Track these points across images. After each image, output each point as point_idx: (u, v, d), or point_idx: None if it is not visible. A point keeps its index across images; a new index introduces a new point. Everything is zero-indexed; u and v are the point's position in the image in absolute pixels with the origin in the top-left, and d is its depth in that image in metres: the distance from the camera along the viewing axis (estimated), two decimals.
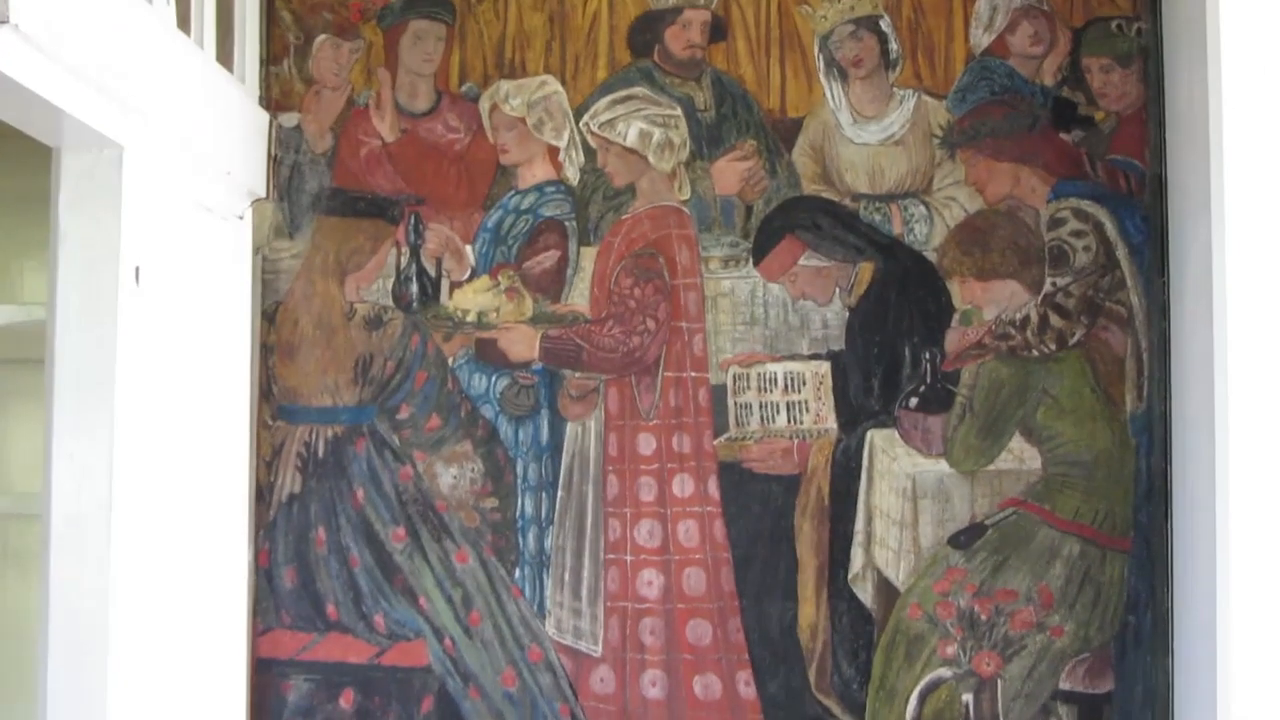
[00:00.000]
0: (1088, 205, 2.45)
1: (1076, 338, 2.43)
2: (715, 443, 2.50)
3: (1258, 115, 1.98)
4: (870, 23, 2.52)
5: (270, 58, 2.61)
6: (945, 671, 2.41)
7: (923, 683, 2.43)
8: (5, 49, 1.68)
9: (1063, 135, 2.46)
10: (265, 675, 2.53)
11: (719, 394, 2.50)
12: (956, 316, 2.46)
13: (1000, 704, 2.42)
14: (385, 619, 2.52)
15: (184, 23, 2.25)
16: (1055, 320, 2.45)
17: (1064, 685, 2.41)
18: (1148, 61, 2.47)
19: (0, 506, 2.52)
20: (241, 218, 2.51)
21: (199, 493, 2.37)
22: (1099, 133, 2.46)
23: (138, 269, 2.05)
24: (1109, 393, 2.42)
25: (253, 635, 2.53)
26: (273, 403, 2.57)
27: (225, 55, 2.45)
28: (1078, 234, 2.45)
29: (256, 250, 2.56)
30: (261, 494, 2.55)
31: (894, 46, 2.52)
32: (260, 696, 2.54)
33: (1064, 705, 2.41)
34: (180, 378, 2.27)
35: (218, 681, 2.45)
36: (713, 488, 2.48)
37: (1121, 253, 2.43)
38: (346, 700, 2.52)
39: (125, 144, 2.02)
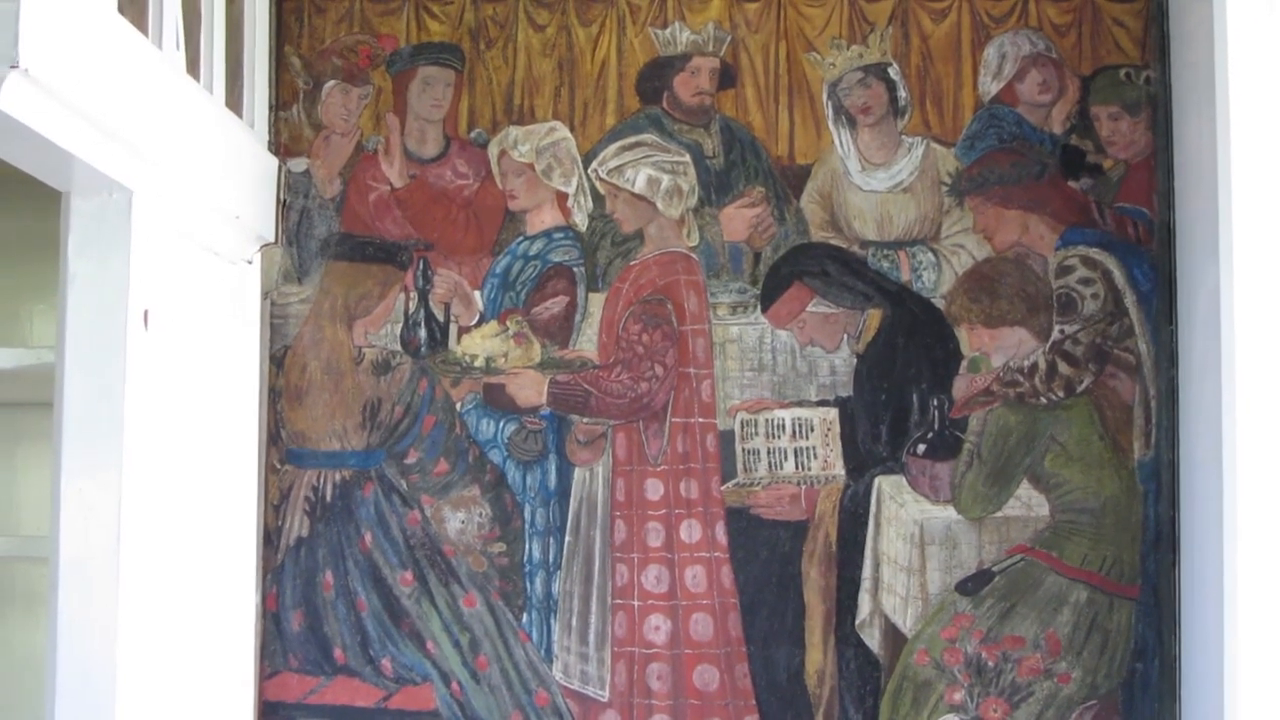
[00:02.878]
0: (1096, 253, 2.44)
1: (1084, 385, 2.42)
2: (723, 488, 2.47)
3: (1266, 164, 1.97)
4: (879, 70, 2.50)
5: (280, 103, 2.59)
6: (953, 718, 2.41)
7: None
8: (15, 93, 1.67)
9: (1071, 183, 2.45)
10: (272, 719, 2.53)
11: (727, 440, 2.48)
12: (964, 363, 2.45)
13: None
14: (393, 663, 2.50)
15: (194, 68, 2.24)
16: (1063, 367, 2.44)
17: None
18: (1156, 110, 2.46)
19: (9, 549, 2.49)
20: (250, 262, 2.50)
21: (207, 536, 2.35)
22: (1107, 180, 2.45)
23: (146, 312, 2.04)
24: (1117, 440, 2.41)
25: (260, 678, 2.50)
26: (281, 447, 2.55)
27: (235, 100, 2.44)
28: (1086, 281, 2.44)
29: (265, 295, 2.55)
30: (269, 537, 2.53)
31: (902, 94, 2.50)
32: None
33: None
34: (189, 421, 2.26)
35: None
36: (720, 533, 2.46)
37: (1129, 300, 2.42)
38: None
39: (134, 188, 2.01)
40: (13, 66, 1.65)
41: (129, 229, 2.02)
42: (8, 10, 1.64)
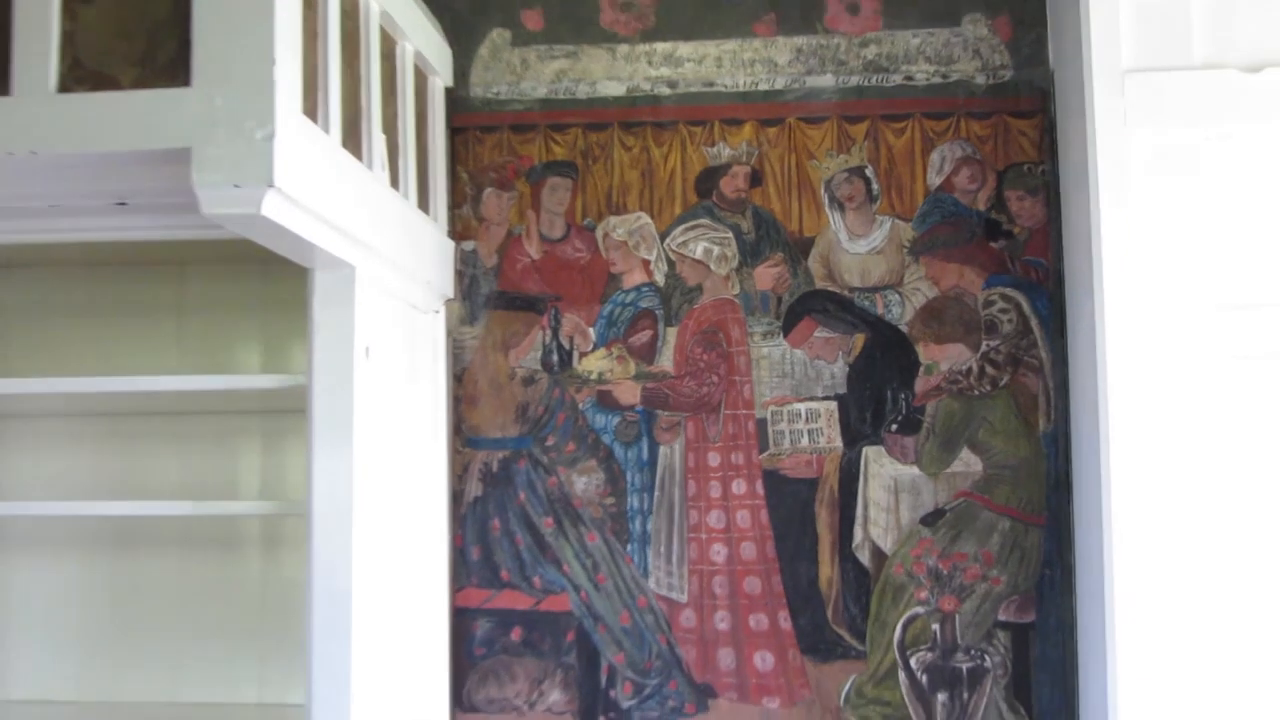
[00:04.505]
0: (1010, 291, 2.77)
1: (1004, 381, 2.75)
2: (760, 457, 2.80)
3: (1120, 231, 2.25)
4: (859, 171, 2.81)
5: (454, 204, 2.88)
6: (919, 609, 2.74)
7: (904, 617, 2.75)
8: (272, 205, 1.88)
9: (992, 244, 2.77)
10: (460, 619, 2.83)
11: (762, 424, 2.80)
12: (922, 369, 2.77)
13: (958, 630, 2.72)
14: (540, 579, 2.83)
15: (394, 182, 2.51)
16: (989, 370, 2.77)
17: (1001, 617, 2.72)
18: (1049, 192, 2.75)
19: (280, 509, 2.65)
20: (437, 312, 2.80)
21: (413, 497, 2.65)
22: (1017, 242, 2.76)
23: (367, 348, 2.34)
24: (1027, 418, 2.74)
25: (451, 592, 2.82)
26: (462, 436, 2.86)
27: (423, 203, 2.70)
28: (1003, 310, 2.76)
29: (448, 334, 2.85)
30: (456, 498, 2.84)
31: (875, 187, 2.82)
32: (457, 633, 2.82)
33: (1001, 631, 2.71)
34: (398, 419, 2.55)
35: (428, 624, 2.73)
36: (759, 487, 2.79)
37: (1034, 323, 2.76)
38: (515, 634, 2.83)
39: (356, 265, 2.28)
40: (270, 186, 1.85)
41: (353, 292, 2.29)
42: (265, 147, 1.84)
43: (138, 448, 2.95)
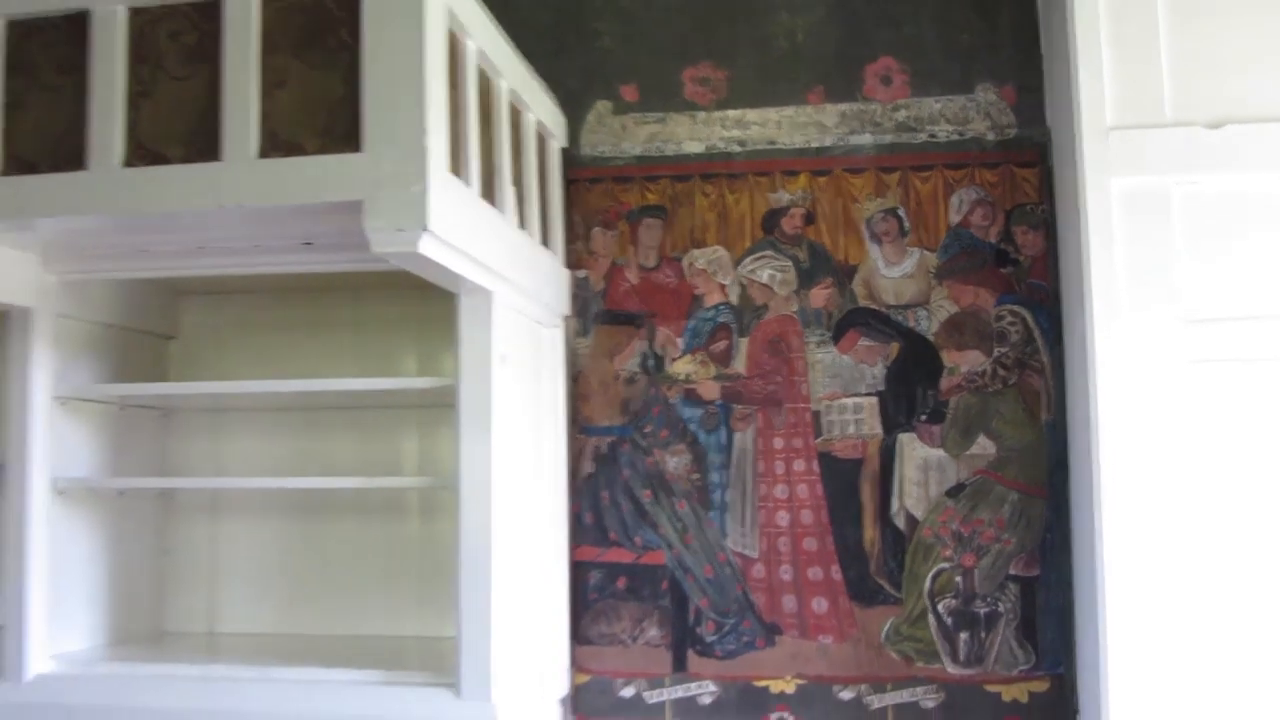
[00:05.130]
0: (1017, 308, 2.76)
1: (1013, 381, 2.74)
2: (815, 441, 2.80)
3: (1106, 259, 2.21)
4: (893, 211, 2.81)
5: (569, 240, 2.92)
6: (945, 564, 2.73)
7: (933, 570, 2.74)
8: (427, 244, 1.93)
9: (1001, 270, 2.77)
10: (577, 570, 2.86)
11: (817, 415, 2.80)
12: (946, 371, 2.77)
13: (976, 582, 2.71)
14: (640, 539, 2.85)
15: (522, 224, 2.54)
16: (1001, 371, 2.75)
17: (1011, 571, 2.71)
18: (1048, 227, 2.74)
19: (434, 483, 2.62)
20: (557, 327, 2.83)
21: (539, 474, 2.69)
22: (1022, 268, 2.76)
23: (502, 356, 2.36)
24: (1032, 411, 2.73)
25: (570, 549, 2.85)
26: (578, 425, 2.90)
27: (545, 240, 2.74)
28: (1012, 323, 2.75)
29: (566, 344, 2.87)
30: (573, 474, 2.87)
31: (906, 224, 2.81)
32: (574, 582, 2.85)
33: (1011, 582, 2.70)
34: (527, 412, 2.57)
35: (552, 574, 2.77)
36: (815, 466, 2.79)
37: (1037, 333, 2.74)
38: (621, 583, 2.85)
39: (493, 290, 2.32)
40: (425, 230, 1.90)
41: (491, 312, 2.32)
42: (421, 199, 1.89)
43: (323, 435, 3.04)
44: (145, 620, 2.98)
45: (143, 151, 2.03)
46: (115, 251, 2.51)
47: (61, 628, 2.62)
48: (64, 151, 2.07)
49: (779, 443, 2.85)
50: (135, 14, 2.06)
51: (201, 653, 2.78)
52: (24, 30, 2.12)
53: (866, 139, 2.88)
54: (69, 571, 2.67)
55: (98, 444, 2.79)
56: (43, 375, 2.58)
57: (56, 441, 2.62)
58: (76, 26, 2.08)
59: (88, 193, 2.05)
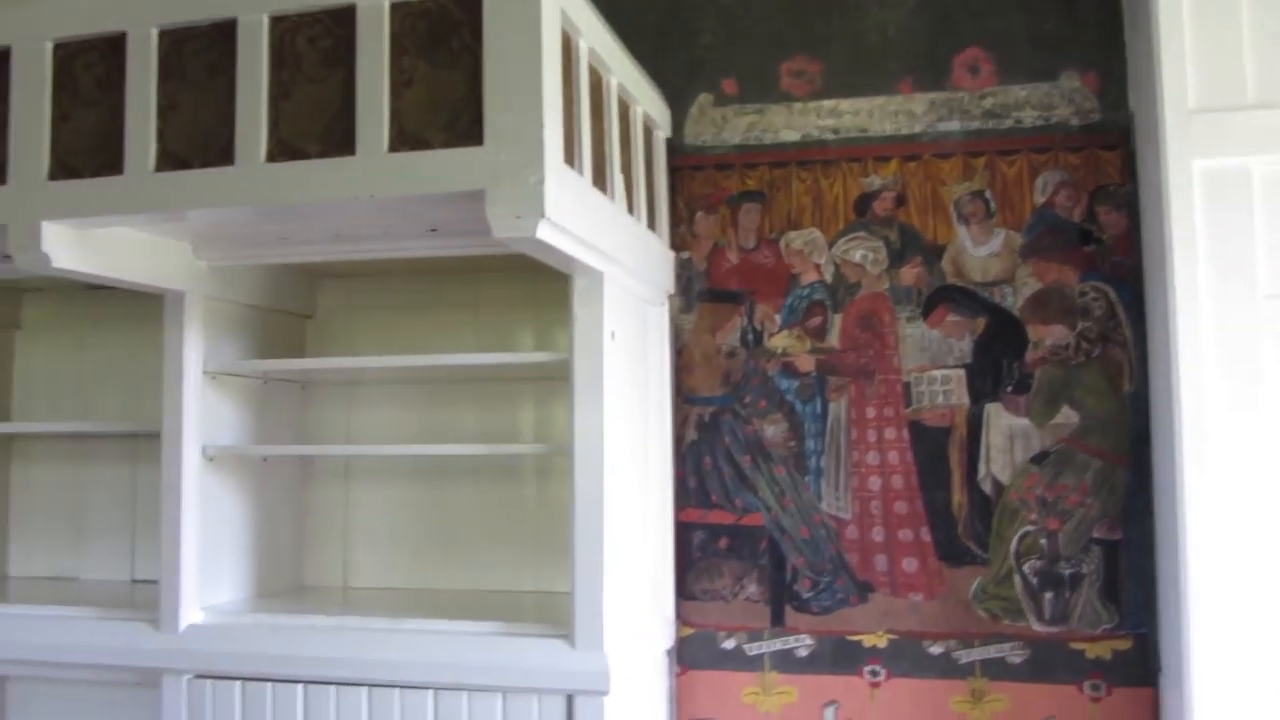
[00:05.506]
0: (1100, 284, 2.76)
1: (1096, 354, 2.74)
2: (905, 411, 2.83)
3: (1187, 237, 2.20)
4: (980, 194, 2.83)
5: (674, 224, 2.98)
6: (1030, 527, 2.75)
7: (1018, 533, 2.76)
8: (545, 231, 1.97)
9: (1085, 248, 2.76)
10: (681, 531, 2.92)
11: (907, 386, 2.83)
12: (1031, 344, 2.78)
13: (1060, 544, 2.73)
14: (741, 501, 2.90)
15: (630, 209, 2.58)
16: (1084, 345, 2.75)
17: (1095, 535, 2.72)
18: (1130, 207, 2.74)
19: (550, 449, 2.66)
20: (663, 305, 2.90)
21: (647, 441, 2.75)
22: (1105, 246, 2.75)
23: (613, 332, 2.41)
24: (1114, 382, 2.73)
25: (675, 510, 2.92)
26: (682, 395, 2.95)
27: (651, 224, 2.79)
28: (1095, 299, 2.75)
29: (671, 320, 2.94)
30: (678, 441, 2.94)
31: (993, 205, 2.82)
32: (679, 541, 2.91)
33: (1095, 545, 2.71)
34: (635, 383, 2.64)
35: (659, 534, 2.84)
36: (905, 434, 2.83)
37: (1119, 309, 2.74)
38: (722, 543, 2.90)
39: (605, 271, 2.36)
40: (542, 217, 1.93)
41: (602, 292, 2.37)
42: (538, 189, 1.92)
43: (446, 405, 3.12)
44: (286, 575, 3.12)
45: (283, 148, 2.10)
46: (258, 239, 2.63)
47: (211, 582, 2.77)
48: (212, 149, 2.15)
49: (871, 412, 2.88)
50: (276, 21, 2.14)
51: (337, 605, 2.88)
52: (176, 38, 2.21)
53: (954, 126, 2.89)
54: (218, 531, 2.82)
55: (243, 414, 2.94)
56: (194, 352, 2.73)
57: (206, 412, 2.76)
58: (223, 34, 2.16)
59: (234, 186, 2.13)
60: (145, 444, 3.18)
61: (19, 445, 3.44)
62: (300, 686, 2.53)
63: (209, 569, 2.76)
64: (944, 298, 2.88)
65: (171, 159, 2.19)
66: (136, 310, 3.14)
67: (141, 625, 2.68)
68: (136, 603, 2.87)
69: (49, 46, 2.28)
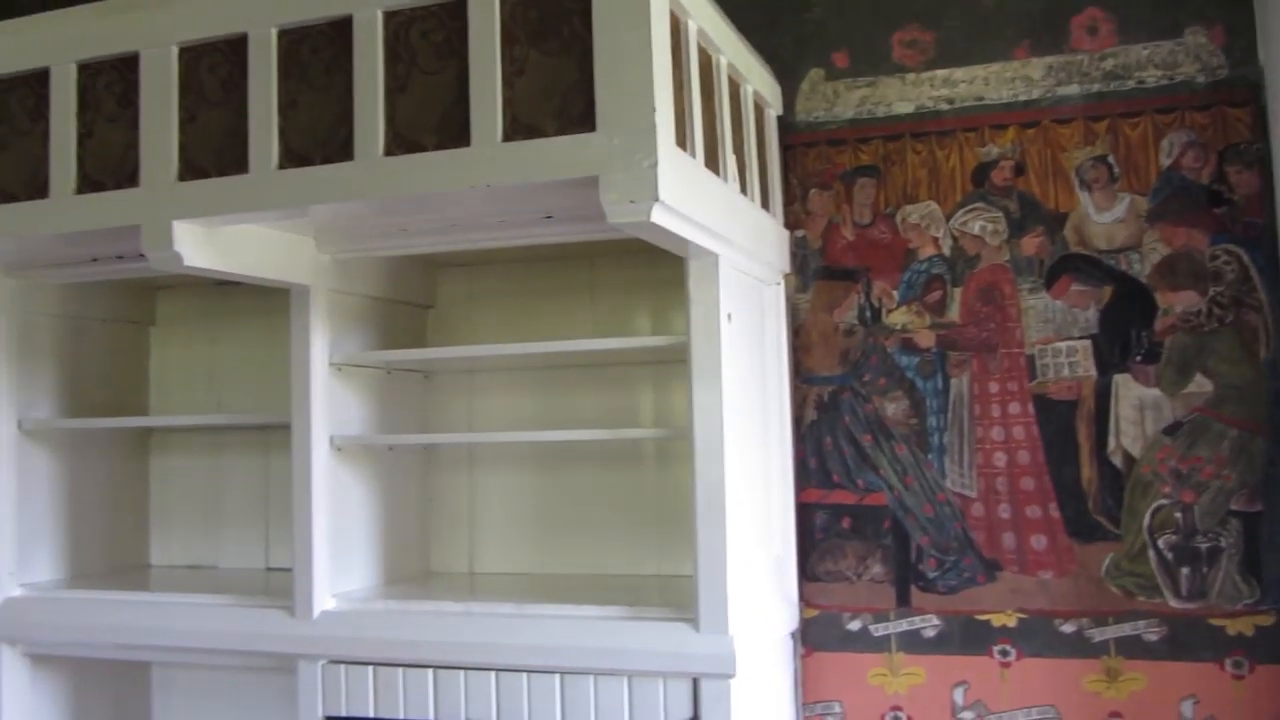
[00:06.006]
0: (1232, 247, 2.73)
1: (1229, 319, 2.72)
2: (1030, 384, 2.82)
3: None
4: (1102, 159, 2.81)
5: (787, 202, 3.01)
6: (1164, 501, 2.73)
7: (1152, 507, 2.74)
8: (659, 214, 2.01)
9: (1215, 210, 2.73)
10: (803, 512, 2.96)
11: (1030, 359, 2.81)
12: (1160, 312, 2.75)
13: (1196, 518, 2.71)
14: (863, 481, 2.93)
15: (744, 189, 2.62)
16: (1217, 310, 2.73)
17: (1233, 507, 2.69)
18: (1262, 165, 2.71)
19: (668, 434, 2.72)
20: (778, 284, 2.93)
21: (766, 422, 2.78)
22: (1236, 207, 2.72)
23: (729, 314, 2.44)
24: (1249, 349, 2.70)
25: (796, 491, 2.94)
26: (800, 375, 2.98)
27: (765, 203, 2.83)
28: (1226, 263, 2.73)
29: (787, 300, 2.97)
30: (797, 421, 2.97)
31: (1116, 170, 2.80)
32: (801, 522, 2.94)
33: (1233, 518, 2.69)
34: (753, 364, 2.67)
35: (780, 516, 2.86)
36: (1030, 408, 2.81)
37: (1253, 271, 2.71)
38: (845, 523, 2.93)
39: (719, 253, 2.39)
40: (656, 200, 1.96)
41: (717, 273, 2.40)
42: (651, 173, 1.95)
43: (565, 390, 3.17)
44: (413, 562, 3.20)
45: (401, 141, 2.16)
46: (379, 231, 2.69)
47: (342, 569, 2.85)
48: (333, 144, 2.22)
49: (994, 387, 2.88)
50: (390, 16, 2.19)
51: (464, 591, 2.94)
52: (295, 37, 2.28)
53: (1074, 89, 2.87)
54: (347, 520, 2.89)
55: (368, 405, 3.01)
56: (320, 345, 2.81)
57: (333, 403, 2.85)
58: (339, 31, 2.23)
59: (355, 180, 2.19)
60: (276, 435, 3.27)
61: (157, 438, 3.57)
62: (430, 671, 2.59)
63: (340, 557, 2.84)
64: (1068, 267, 2.86)
65: (294, 156, 2.26)
66: (264, 304, 3.24)
67: (277, 612, 2.77)
68: (271, 590, 2.96)
69: (174, 51, 2.38)
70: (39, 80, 2.51)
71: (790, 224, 3.06)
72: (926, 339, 2.94)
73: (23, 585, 3.05)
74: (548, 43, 2.09)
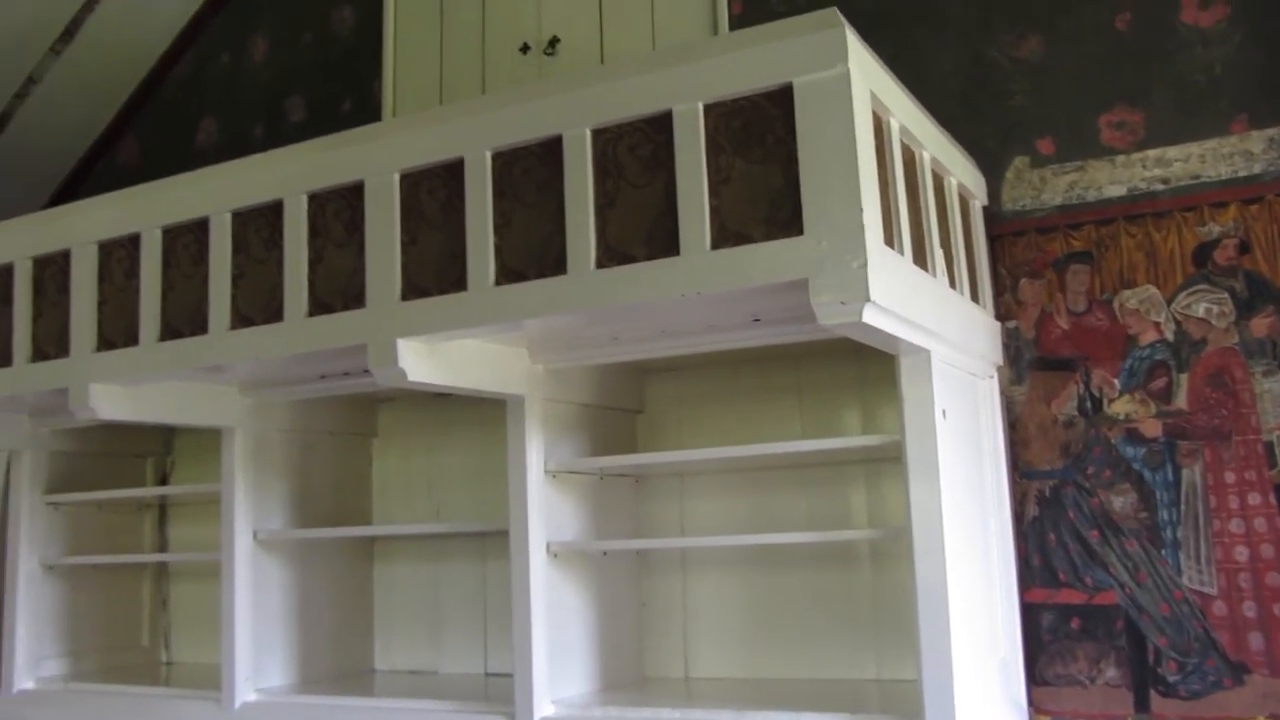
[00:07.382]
0: None
1: None
2: (1270, 473, 2.71)
3: None
4: None
5: (997, 293, 3.00)
6: None
7: None
8: (870, 313, 2.03)
9: None
10: (1029, 612, 2.88)
11: (1269, 446, 2.72)
12: None
13: None
14: (1091, 579, 2.85)
15: (952, 283, 2.62)
16: None
17: None
18: None
19: (885, 534, 2.76)
20: (991, 377, 2.92)
21: (985, 519, 2.75)
22: None
23: (944, 410, 2.42)
24: None
25: (1020, 591, 2.88)
26: (1019, 469, 2.94)
27: (974, 295, 2.83)
28: None
29: (1001, 393, 2.95)
30: (1018, 518, 2.92)
31: None
32: (1027, 624, 2.87)
33: None
34: (969, 460, 2.65)
35: (1005, 617, 2.81)
36: (1271, 498, 2.70)
37: None
38: (1074, 624, 2.84)
39: (930, 349, 2.38)
40: (867, 300, 1.99)
41: (930, 370, 2.38)
42: (861, 273, 1.97)
43: (775, 491, 3.17)
44: (629, 667, 3.20)
45: (612, 253, 2.24)
46: (590, 341, 2.77)
47: (560, 676, 2.88)
48: (546, 259, 2.32)
49: (1230, 476, 2.80)
50: (598, 134, 2.28)
51: (680, 697, 2.93)
52: (507, 159, 2.39)
53: None
54: (564, 625, 2.93)
55: (582, 510, 3.06)
56: (536, 452, 2.88)
57: (549, 510, 2.90)
58: (550, 150, 2.33)
59: (568, 293, 2.28)
60: (494, 541, 3.36)
61: (380, 546, 3.71)
62: None
63: (558, 663, 2.87)
64: None
65: (509, 272, 2.37)
66: (478, 414, 3.35)
67: (499, 719, 2.82)
68: (491, 696, 3.01)
69: (396, 178, 2.53)
70: (273, 211, 2.70)
71: (1001, 315, 3.04)
72: (1153, 428, 2.87)
73: (258, 690, 3.21)
74: (752, 150, 2.14)
